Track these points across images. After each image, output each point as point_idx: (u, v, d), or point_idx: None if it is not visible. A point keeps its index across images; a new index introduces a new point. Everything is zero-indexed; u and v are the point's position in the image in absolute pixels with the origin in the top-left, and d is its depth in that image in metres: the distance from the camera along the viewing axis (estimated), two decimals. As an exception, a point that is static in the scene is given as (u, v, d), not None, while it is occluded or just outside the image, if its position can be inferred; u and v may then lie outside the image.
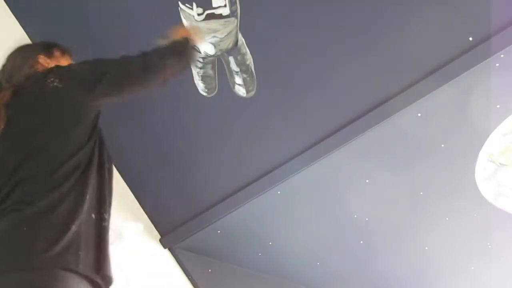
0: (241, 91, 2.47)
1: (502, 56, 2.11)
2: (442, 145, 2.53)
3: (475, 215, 2.90)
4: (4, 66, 1.79)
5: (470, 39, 2.14)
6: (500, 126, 2.49)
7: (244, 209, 2.59)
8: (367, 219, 2.83)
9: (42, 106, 1.61)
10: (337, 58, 2.31)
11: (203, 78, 2.48)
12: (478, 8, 2.11)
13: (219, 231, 2.70)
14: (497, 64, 2.15)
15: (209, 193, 2.63)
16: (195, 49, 1.94)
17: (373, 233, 2.93)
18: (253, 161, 2.53)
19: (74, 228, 1.48)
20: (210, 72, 2.47)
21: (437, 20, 2.17)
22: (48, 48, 1.84)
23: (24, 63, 1.75)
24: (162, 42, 1.89)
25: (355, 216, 2.81)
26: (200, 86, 2.49)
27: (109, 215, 1.66)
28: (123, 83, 1.70)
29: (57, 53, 1.85)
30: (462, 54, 2.15)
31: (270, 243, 2.88)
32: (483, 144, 2.55)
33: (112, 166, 1.75)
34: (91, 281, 1.50)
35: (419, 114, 2.34)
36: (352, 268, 3.14)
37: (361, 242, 2.96)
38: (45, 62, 1.78)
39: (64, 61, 1.85)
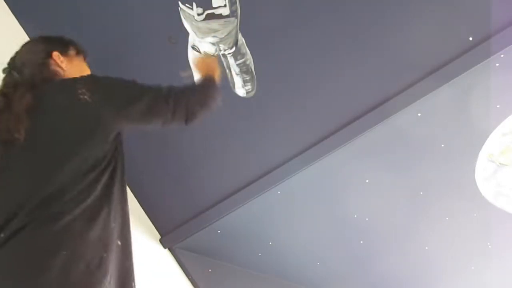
0: (241, 91, 2.47)
1: (502, 56, 2.11)
2: (442, 145, 2.53)
3: (475, 215, 2.89)
4: (16, 54, 1.75)
5: (470, 39, 2.14)
6: (500, 126, 2.49)
7: (244, 209, 2.59)
8: (367, 219, 2.83)
9: (68, 118, 1.57)
10: (337, 58, 2.31)
11: (203, 78, 2.48)
12: (478, 8, 2.11)
13: (219, 231, 2.70)
14: (497, 64, 2.15)
15: (209, 193, 2.63)
16: (219, 91, 1.94)
17: (373, 233, 2.93)
18: (253, 161, 2.53)
19: (105, 254, 1.47)
20: (210, 72, 2.47)
21: (437, 20, 2.17)
22: (64, 45, 1.81)
23: (37, 56, 1.71)
24: (187, 77, 1.91)
25: (355, 216, 2.81)
26: (200, 86, 2.49)
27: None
28: (151, 117, 1.68)
29: (72, 52, 1.81)
30: (462, 54, 2.15)
31: (270, 243, 2.88)
32: (483, 144, 2.55)
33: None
34: None
35: (419, 114, 2.34)
36: (352, 268, 3.14)
37: (361, 242, 2.96)
38: (58, 59, 1.74)
39: (78, 61, 1.82)
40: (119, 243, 1.56)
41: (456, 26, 2.16)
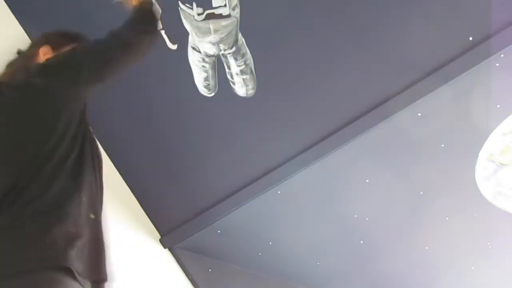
0: (241, 91, 2.47)
1: (502, 56, 2.11)
2: (442, 145, 2.53)
3: (475, 215, 2.90)
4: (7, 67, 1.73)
5: (470, 39, 2.14)
6: (500, 126, 2.49)
7: (244, 209, 2.59)
8: (367, 219, 2.83)
9: (23, 105, 1.53)
10: (337, 58, 2.31)
11: (203, 78, 2.48)
12: (478, 8, 2.11)
13: (219, 231, 2.70)
14: (497, 64, 2.15)
15: (209, 193, 2.63)
16: (156, 8, 1.90)
17: (373, 233, 2.93)
18: (252, 161, 2.53)
19: (73, 228, 1.45)
20: (210, 71, 2.47)
21: (437, 20, 2.17)
22: (63, 41, 1.76)
23: (28, 51, 1.70)
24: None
25: (355, 216, 2.82)
26: (200, 85, 2.49)
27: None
28: (105, 68, 1.65)
29: (68, 48, 1.75)
30: (462, 54, 2.15)
31: (270, 243, 2.88)
32: (483, 144, 2.55)
33: (102, 164, 1.68)
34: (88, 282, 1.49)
35: (419, 114, 2.34)
36: (353, 268, 3.14)
37: (361, 242, 2.96)
38: (43, 54, 1.69)
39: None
40: (91, 216, 1.54)
41: (456, 26, 2.16)
